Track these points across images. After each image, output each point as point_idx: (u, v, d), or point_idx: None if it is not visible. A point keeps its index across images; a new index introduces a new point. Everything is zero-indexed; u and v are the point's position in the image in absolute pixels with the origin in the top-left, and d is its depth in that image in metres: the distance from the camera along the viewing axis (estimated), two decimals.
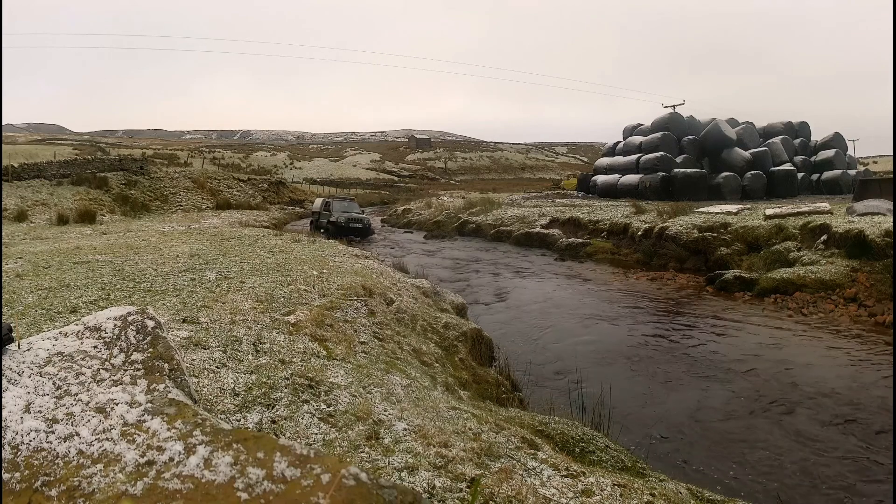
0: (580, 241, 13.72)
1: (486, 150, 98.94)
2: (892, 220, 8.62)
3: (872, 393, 4.57)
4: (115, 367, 1.47)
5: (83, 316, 2.54)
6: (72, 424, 1.24)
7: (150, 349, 1.56)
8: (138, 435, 1.21)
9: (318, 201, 21.02)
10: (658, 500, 2.17)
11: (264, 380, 2.67)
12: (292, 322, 3.71)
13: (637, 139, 25.21)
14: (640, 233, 12.63)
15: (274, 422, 2.30)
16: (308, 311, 3.99)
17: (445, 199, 30.73)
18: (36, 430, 1.20)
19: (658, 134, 23.76)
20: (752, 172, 21.63)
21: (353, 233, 17.62)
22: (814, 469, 3.38)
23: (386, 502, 1.00)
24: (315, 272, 5.61)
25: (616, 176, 24.78)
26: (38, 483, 1.07)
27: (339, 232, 16.88)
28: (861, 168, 31.08)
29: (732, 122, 24.92)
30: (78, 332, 1.58)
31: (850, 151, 29.71)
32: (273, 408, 2.42)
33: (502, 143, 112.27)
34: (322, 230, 18.05)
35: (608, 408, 3.57)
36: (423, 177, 74.84)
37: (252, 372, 2.75)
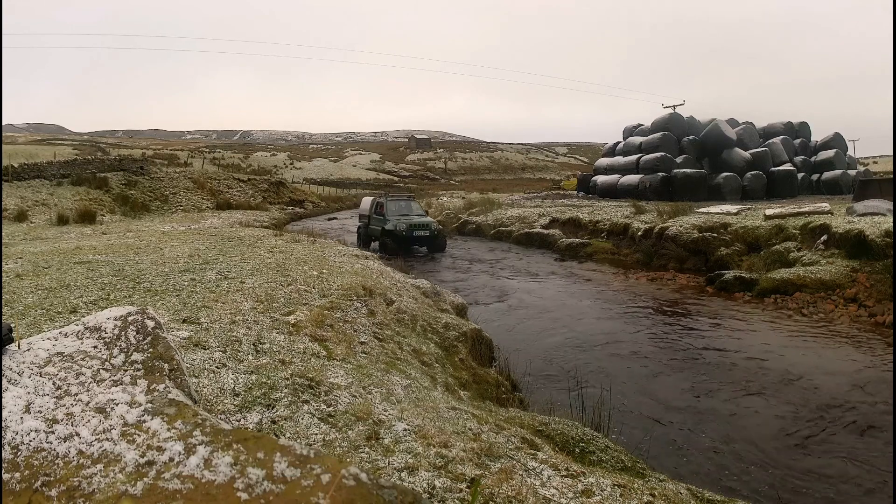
0: (580, 241, 13.72)
1: (486, 151, 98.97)
2: (892, 220, 8.62)
3: (873, 393, 4.57)
4: (115, 368, 1.47)
5: (83, 316, 2.55)
6: (72, 425, 1.24)
7: (150, 349, 1.56)
8: (138, 435, 1.21)
9: (366, 201, 15.51)
10: (658, 501, 2.17)
11: (264, 380, 2.67)
12: (292, 322, 3.72)
13: (637, 139, 25.19)
14: (640, 233, 12.62)
15: (274, 422, 2.30)
16: (308, 312, 3.99)
17: (445, 199, 30.73)
18: (36, 431, 1.20)
19: (658, 134, 23.74)
20: (753, 173, 21.62)
21: (420, 244, 13.26)
22: (814, 470, 3.37)
23: (386, 502, 1.00)
24: (315, 272, 5.61)
25: (616, 176, 24.77)
26: (38, 483, 1.07)
27: (401, 245, 12.68)
28: (861, 168, 31.05)
29: (732, 123, 24.90)
30: (78, 332, 1.58)
31: (851, 152, 29.70)
32: (273, 408, 2.42)
33: (502, 144, 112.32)
34: (374, 241, 13.79)
35: (608, 408, 3.57)
36: (423, 177, 74.86)
37: (252, 372, 2.76)
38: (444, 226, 20.02)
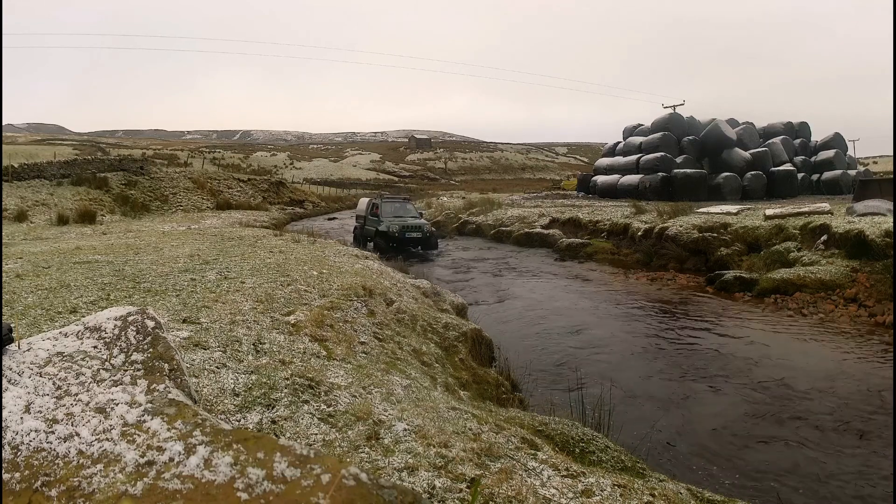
0: (580, 241, 13.72)
1: (486, 151, 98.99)
2: (892, 220, 8.62)
3: (872, 393, 4.57)
4: (116, 368, 1.47)
5: (83, 316, 2.55)
6: (72, 425, 1.24)
7: (150, 349, 1.56)
8: (138, 435, 1.21)
9: (363, 203, 15.96)
10: (658, 501, 2.17)
11: (264, 380, 2.67)
12: (292, 322, 3.72)
13: (637, 139, 25.21)
14: (640, 233, 12.62)
15: (274, 422, 2.30)
16: (308, 312, 3.99)
17: (445, 199, 30.75)
18: (36, 431, 1.20)
19: (658, 134, 23.75)
20: (753, 173, 21.63)
21: (412, 245, 13.61)
22: (813, 470, 3.37)
23: (386, 502, 1.00)
24: (315, 272, 5.61)
25: (616, 176, 24.78)
26: (38, 483, 1.07)
27: (394, 246, 13.02)
28: (861, 168, 31.06)
29: (732, 123, 24.91)
30: (78, 332, 1.58)
31: (851, 152, 29.71)
32: (273, 408, 2.42)
33: (502, 144, 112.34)
34: (370, 242, 13.97)
35: (608, 408, 3.57)
36: (423, 177, 74.88)
37: (252, 372, 2.76)
38: (444, 226, 20.18)
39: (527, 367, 5.01)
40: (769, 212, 11.34)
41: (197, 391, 1.95)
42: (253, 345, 3.16)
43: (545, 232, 15.71)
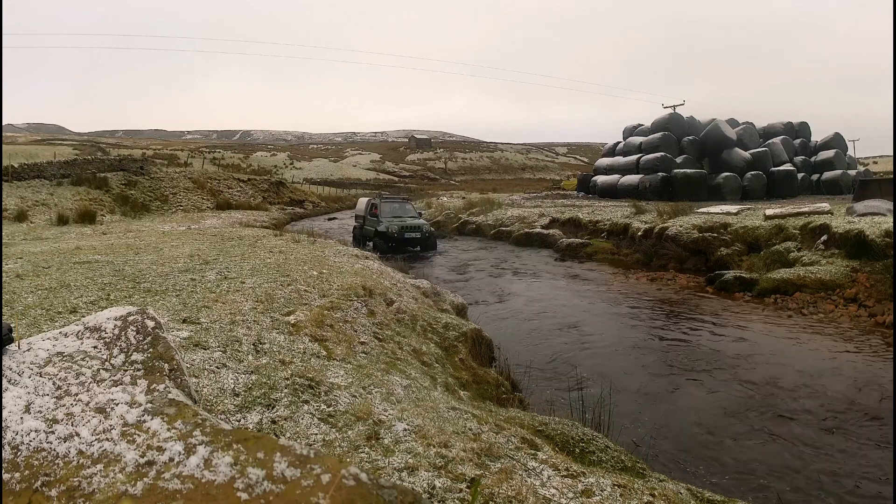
0: (580, 241, 13.71)
1: (485, 151, 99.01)
2: (892, 220, 8.62)
3: (872, 393, 4.57)
4: (115, 368, 1.47)
5: (83, 316, 2.55)
6: (72, 425, 1.24)
7: (150, 349, 1.56)
8: (138, 435, 1.21)
9: (362, 202, 15.96)
10: (658, 501, 2.17)
11: (264, 380, 2.67)
12: (292, 322, 3.72)
13: (637, 139, 25.20)
14: (640, 233, 12.62)
15: (274, 422, 2.30)
16: (308, 312, 3.99)
17: (445, 199, 30.75)
18: (36, 431, 1.20)
19: (658, 134, 23.75)
20: (753, 173, 21.63)
21: (411, 245, 13.64)
22: (813, 470, 3.37)
23: (386, 502, 1.00)
24: (315, 272, 5.61)
25: (616, 176, 24.78)
26: (38, 483, 1.07)
27: (393, 245, 13.07)
28: (861, 168, 31.05)
29: (732, 123, 24.90)
30: (78, 332, 1.58)
31: (851, 152, 29.71)
32: (273, 408, 2.42)
33: (502, 144, 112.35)
34: (369, 242, 14.02)
35: (608, 408, 3.57)
36: (423, 177, 74.89)
37: (252, 372, 2.76)
38: (444, 226, 20.20)
39: (527, 367, 5.01)
40: (769, 212, 11.34)
41: (197, 391, 1.95)
42: (253, 345, 3.16)
43: (545, 232, 15.71)
